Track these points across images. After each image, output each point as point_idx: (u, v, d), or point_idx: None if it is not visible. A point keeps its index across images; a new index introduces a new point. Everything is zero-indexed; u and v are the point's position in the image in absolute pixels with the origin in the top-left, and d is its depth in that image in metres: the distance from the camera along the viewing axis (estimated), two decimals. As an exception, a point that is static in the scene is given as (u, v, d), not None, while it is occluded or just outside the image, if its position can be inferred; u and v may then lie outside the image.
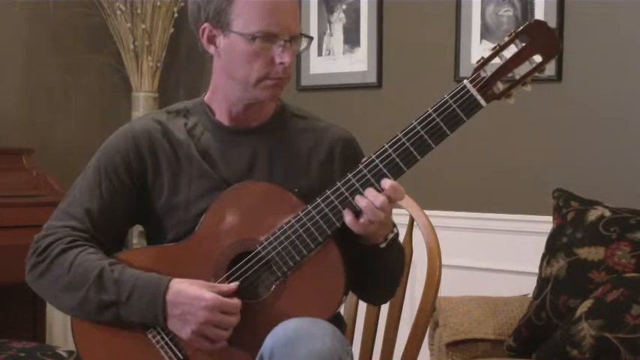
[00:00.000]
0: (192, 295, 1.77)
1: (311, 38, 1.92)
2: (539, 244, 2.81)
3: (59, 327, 3.80)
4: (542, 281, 2.72)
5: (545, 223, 2.92)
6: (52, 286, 1.86)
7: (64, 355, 2.65)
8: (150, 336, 1.84)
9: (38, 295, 1.93)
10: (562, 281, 2.66)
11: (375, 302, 2.09)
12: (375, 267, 1.87)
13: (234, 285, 1.79)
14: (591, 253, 2.65)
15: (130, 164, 1.91)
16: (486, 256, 3.21)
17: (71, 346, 2.83)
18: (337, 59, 3.70)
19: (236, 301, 1.77)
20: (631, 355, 2.41)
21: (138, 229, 2.11)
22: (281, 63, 1.82)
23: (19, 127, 3.76)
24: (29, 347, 2.66)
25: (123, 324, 1.83)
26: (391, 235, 1.82)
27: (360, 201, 1.75)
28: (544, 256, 2.77)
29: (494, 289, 3.01)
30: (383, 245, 1.81)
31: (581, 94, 3.18)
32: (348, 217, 1.76)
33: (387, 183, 1.74)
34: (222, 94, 1.92)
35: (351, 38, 3.66)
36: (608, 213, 2.69)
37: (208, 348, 1.79)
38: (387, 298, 2.02)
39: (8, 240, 3.10)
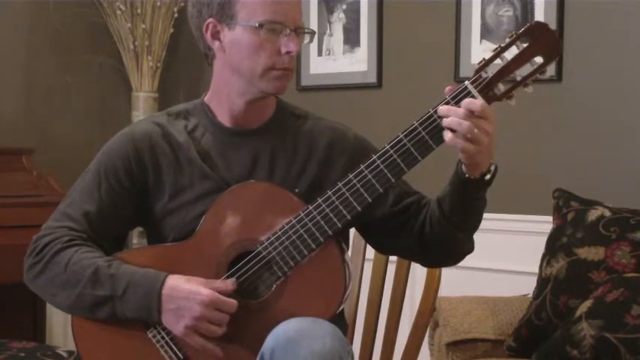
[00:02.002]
0: (189, 290, 1.77)
1: (313, 32, 1.93)
2: (539, 244, 2.81)
3: (59, 327, 3.81)
4: (542, 281, 2.72)
5: (545, 223, 2.92)
6: (50, 285, 1.86)
7: (64, 355, 2.65)
8: (150, 335, 1.84)
9: (38, 295, 1.93)
10: (562, 281, 2.66)
11: (455, 258, 1.94)
12: (473, 207, 1.81)
13: (230, 283, 1.79)
14: (591, 253, 2.65)
15: (130, 167, 1.91)
16: (486, 256, 3.20)
17: (71, 346, 2.84)
18: (337, 59, 3.70)
19: (232, 300, 1.77)
20: (631, 355, 2.41)
21: (138, 229, 2.11)
22: (287, 52, 1.83)
23: (19, 127, 3.76)
24: (29, 347, 2.67)
25: (121, 322, 1.83)
26: (493, 167, 1.76)
27: (444, 116, 1.70)
28: (544, 256, 2.77)
29: (494, 289, 3.01)
30: (488, 177, 1.76)
31: (581, 94, 3.18)
32: (448, 136, 1.70)
33: (465, 101, 1.69)
34: (225, 94, 1.92)
35: (351, 38, 3.66)
36: (608, 213, 2.69)
37: (200, 344, 1.78)
38: (467, 251, 1.91)
39: (8, 240, 3.11)
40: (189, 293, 1.77)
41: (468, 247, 1.91)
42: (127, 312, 1.81)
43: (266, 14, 1.82)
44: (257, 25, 1.82)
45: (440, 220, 1.83)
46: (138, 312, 1.80)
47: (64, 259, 1.84)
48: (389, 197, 1.89)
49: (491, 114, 1.70)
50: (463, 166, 1.75)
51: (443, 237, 1.85)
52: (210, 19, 1.86)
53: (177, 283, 1.79)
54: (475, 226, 1.87)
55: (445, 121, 1.70)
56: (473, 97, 1.71)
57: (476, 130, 1.68)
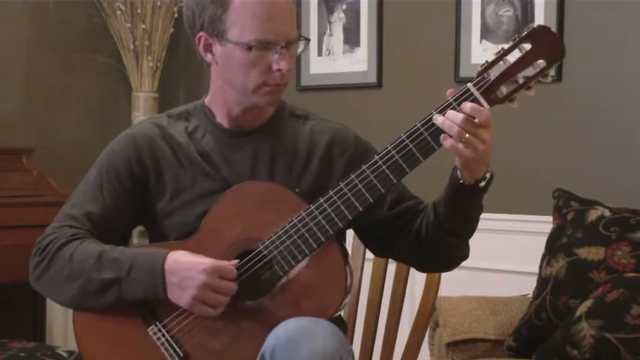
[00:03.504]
0: (190, 261, 1.79)
1: (308, 40, 1.92)
2: (539, 244, 2.81)
3: (59, 327, 3.81)
4: (542, 281, 2.73)
5: (545, 223, 2.92)
6: (55, 281, 1.87)
7: (64, 355, 2.65)
8: (150, 332, 1.85)
9: (38, 295, 1.94)
10: (562, 281, 2.66)
11: (449, 263, 1.94)
12: (467, 213, 1.82)
13: (234, 262, 1.80)
14: (591, 253, 2.65)
15: (131, 169, 1.92)
16: (486, 256, 3.20)
17: (71, 346, 2.83)
18: (337, 59, 3.70)
19: (232, 267, 1.78)
20: (631, 355, 2.41)
21: (138, 229, 2.11)
22: (278, 70, 1.83)
23: (19, 127, 3.76)
24: (29, 347, 2.66)
25: (121, 319, 1.84)
26: (488, 174, 1.77)
27: (437, 118, 1.70)
28: (544, 256, 2.77)
29: (494, 289, 3.01)
30: (482, 184, 1.76)
31: (581, 95, 3.18)
32: (447, 142, 1.70)
33: (467, 105, 1.69)
34: (222, 98, 1.93)
35: (351, 38, 3.66)
36: (608, 213, 2.69)
37: (209, 314, 1.79)
38: (462, 257, 1.91)
39: (8, 240, 3.10)
40: (190, 264, 1.78)
41: (462, 254, 1.91)
42: (132, 293, 1.81)
43: (256, 33, 1.81)
44: (247, 46, 1.81)
45: (435, 224, 1.84)
46: (144, 291, 1.81)
47: (67, 252, 1.85)
48: (386, 200, 1.90)
49: (491, 122, 1.70)
50: (458, 172, 1.76)
51: (437, 242, 1.86)
52: (201, 33, 1.86)
53: (178, 257, 1.80)
54: (469, 232, 1.87)
55: (438, 121, 1.70)
56: (476, 99, 1.71)
57: (468, 135, 1.68)
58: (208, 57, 1.88)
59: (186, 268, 1.78)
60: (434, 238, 1.85)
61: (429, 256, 1.90)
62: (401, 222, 1.90)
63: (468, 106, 1.69)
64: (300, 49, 1.89)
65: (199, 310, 1.79)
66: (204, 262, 1.78)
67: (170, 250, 1.82)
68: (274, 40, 1.81)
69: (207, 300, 1.78)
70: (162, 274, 1.79)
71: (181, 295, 1.79)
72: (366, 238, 1.99)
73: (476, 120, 1.69)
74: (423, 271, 2.05)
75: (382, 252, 2.01)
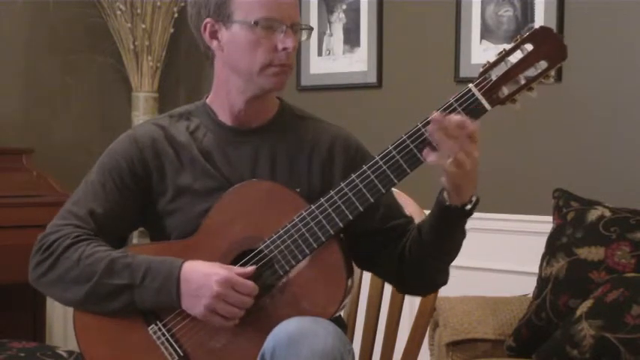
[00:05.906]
0: (206, 271, 1.79)
1: (311, 29, 1.95)
2: (539, 244, 2.81)
3: (59, 327, 3.81)
4: (542, 281, 2.73)
5: (545, 223, 2.92)
6: (60, 281, 1.87)
7: (64, 355, 2.65)
8: (151, 332, 1.85)
9: (38, 295, 1.94)
10: (562, 281, 2.67)
11: (427, 287, 1.97)
12: (451, 237, 1.82)
13: (250, 269, 1.80)
14: (591, 253, 2.65)
15: (134, 168, 1.92)
16: (486, 256, 3.21)
17: (71, 346, 2.83)
18: (337, 59, 3.70)
19: (249, 282, 1.78)
20: (631, 355, 2.41)
21: (138, 229, 2.11)
22: (284, 49, 1.84)
23: (19, 127, 3.76)
24: (29, 347, 2.67)
25: (122, 318, 1.84)
26: (474, 198, 1.77)
27: (433, 112, 1.70)
28: (544, 256, 2.77)
29: (494, 289, 3.01)
30: (468, 207, 1.76)
31: (581, 95, 3.18)
32: (430, 157, 1.71)
33: (454, 117, 1.68)
34: (225, 92, 1.93)
35: (351, 38, 3.66)
36: (608, 213, 2.69)
37: (222, 325, 1.79)
38: (440, 282, 1.92)
39: (8, 240, 3.11)
40: (206, 274, 1.78)
41: (441, 279, 1.92)
42: (145, 299, 1.82)
43: (261, 12, 1.84)
44: (252, 22, 1.83)
45: (418, 245, 1.85)
46: (157, 297, 1.81)
47: (75, 254, 1.85)
48: (379, 213, 1.90)
49: (476, 138, 1.69)
50: (445, 194, 1.76)
51: (418, 263, 1.86)
52: (207, 19, 1.88)
53: (194, 266, 1.80)
54: (451, 257, 1.88)
55: (433, 115, 1.70)
56: (477, 99, 1.71)
57: (453, 142, 1.67)
58: (214, 44, 1.89)
59: (202, 278, 1.78)
60: (415, 259, 1.86)
61: (408, 277, 1.90)
62: (388, 238, 1.91)
63: (455, 118, 1.68)
64: (303, 38, 1.92)
65: (213, 321, 1.79)
66: (219, 272, 1.78)
67: (185, 260, 1.82)
68: (279, 18, 1.84)
69: (219, 310, 1.78)
70: (177, 282, 1.79)
71: (195, 305, 1.79)
72: (352, 248, 1.99)
73: (465, 130, 1.68)
74: (401, 292, 2.03)
75: (365, 265, 2.01)
